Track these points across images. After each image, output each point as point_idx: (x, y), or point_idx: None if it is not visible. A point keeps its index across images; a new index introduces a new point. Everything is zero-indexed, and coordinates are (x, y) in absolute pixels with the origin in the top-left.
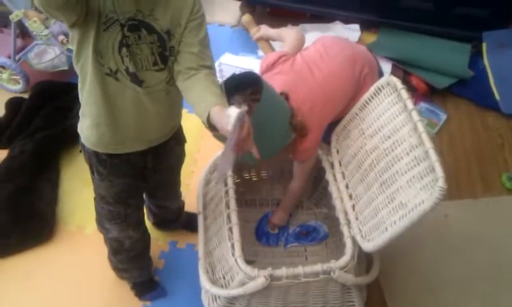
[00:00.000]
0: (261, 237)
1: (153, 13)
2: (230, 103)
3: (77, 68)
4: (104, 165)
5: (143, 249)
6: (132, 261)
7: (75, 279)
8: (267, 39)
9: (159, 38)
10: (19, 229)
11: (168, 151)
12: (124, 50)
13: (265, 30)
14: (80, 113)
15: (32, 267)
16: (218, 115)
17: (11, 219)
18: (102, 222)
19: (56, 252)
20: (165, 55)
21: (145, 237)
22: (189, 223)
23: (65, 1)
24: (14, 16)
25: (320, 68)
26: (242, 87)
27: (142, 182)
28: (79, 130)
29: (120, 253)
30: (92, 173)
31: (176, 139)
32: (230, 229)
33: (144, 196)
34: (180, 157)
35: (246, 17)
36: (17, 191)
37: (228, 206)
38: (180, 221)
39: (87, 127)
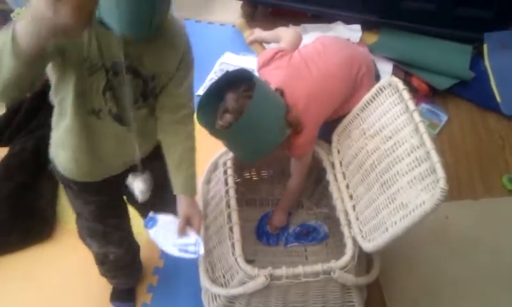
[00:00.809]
0: (261, 237)
1: (141, 58)
2: (223, 100)
3: (54, 100)
4: (77, 184)
5: (129, 260)
6: (119, 270)
7: (76, 277)
8: (261, 42)
9: (144, 81)
10: (19, 228)
11: (149, 169)
12: (108, 93)
13: (258, 33)
14: (53, 142)
15: (32, 265)
16: (182, 211)
17: (11, 217)
18: (83, 236)
19: (56, 251)
20: (146, 94)
21: (131, 250)
22: None
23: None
24: (15, 14)
25: (317, 65)
26: (235, 85)
27: (121, 201)
28: (51, 156)
29: (105, 264)
30: (64, 188)
31: (157, 156)
32: (231, 229)
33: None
34: (166, 172)
35: (239, 21)
36: (17, 189)
37: (228, 206)
38: None
39: (64, 158)
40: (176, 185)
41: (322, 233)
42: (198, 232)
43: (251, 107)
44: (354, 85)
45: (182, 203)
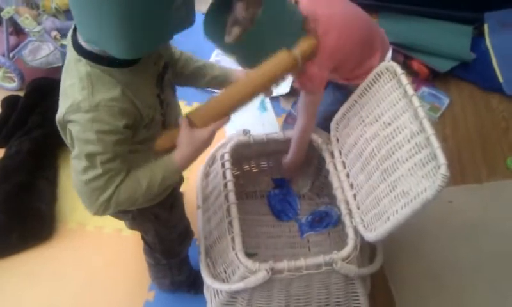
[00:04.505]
0: (280, 216)
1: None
2: (232, 10)
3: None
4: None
5: None
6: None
7: (77, 276)
8: None
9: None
10: (18, 229)
11: None
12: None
13: None
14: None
15: (33, 266)
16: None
17: (9, 219)
18: (171, 252)
19: (56, 251)
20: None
21: None
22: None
23: None
24: (5, 13)
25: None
26: None
27: None
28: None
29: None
30: (151, 229)
31: None
32: (230, 223)
33: None
34: None
35: None
36: (14, 191)
37: (227, 200)
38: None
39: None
40: (223, 71)
41: (335, 216)
42: None
43: (263, 14)
44: (371, 43)
45: (235, 71)
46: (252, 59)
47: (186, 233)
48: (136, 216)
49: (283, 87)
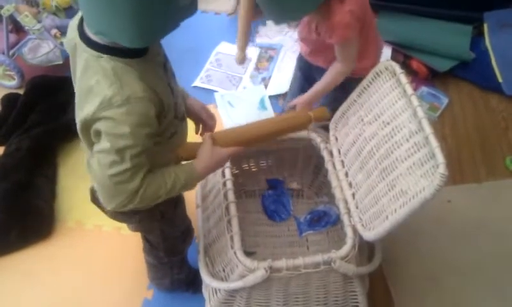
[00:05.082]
0: (273, 216)
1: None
2: None
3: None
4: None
5: None
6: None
7: (76, 274)
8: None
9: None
10: (17, 227)
11: None
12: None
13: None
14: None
15: (32, 264)
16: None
17: (8, 217)
18: (174, 251)
19: (55, 249)
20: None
21: None
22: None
23: None
24: (5, 11)
25: None
26: None
27: None
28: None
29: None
30: (156, 228)
31: None
32: (229, 222)
33: None
34: None
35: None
36: (13, 189)
37: (226, 198)
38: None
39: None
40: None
41: (334, 216)
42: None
43: None
44: (372, 27)
45: (194, 101)
46: (278, 5)
47: (188, 231)
48: (142, 218)
49: (283, 86)
